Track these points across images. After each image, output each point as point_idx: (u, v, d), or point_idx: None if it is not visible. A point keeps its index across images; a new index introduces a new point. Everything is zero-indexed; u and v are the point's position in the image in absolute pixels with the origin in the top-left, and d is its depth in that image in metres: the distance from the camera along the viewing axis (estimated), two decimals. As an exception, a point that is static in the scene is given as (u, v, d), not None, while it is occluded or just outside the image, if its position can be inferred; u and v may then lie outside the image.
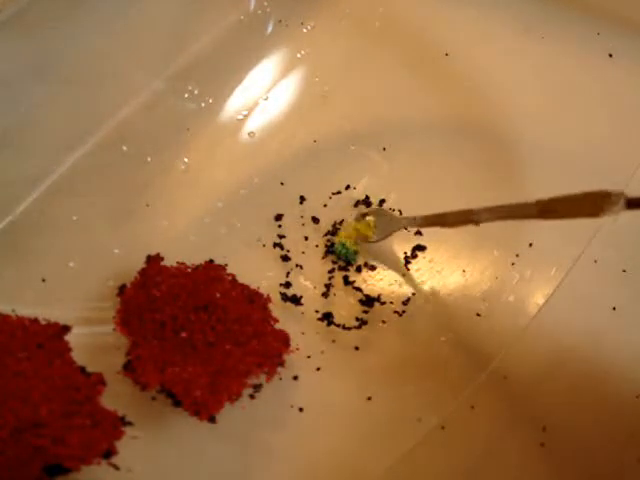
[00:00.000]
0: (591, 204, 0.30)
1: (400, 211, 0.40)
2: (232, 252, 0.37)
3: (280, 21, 0.45)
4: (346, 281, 0.38)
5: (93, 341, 0.34)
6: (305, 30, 0.45)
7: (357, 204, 0.40)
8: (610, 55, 0.44)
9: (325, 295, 0.37)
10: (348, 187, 0.40)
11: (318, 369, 0.35)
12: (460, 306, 0.38)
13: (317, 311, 0.37)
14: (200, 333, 0.33)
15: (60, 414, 0.30)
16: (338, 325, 0.36)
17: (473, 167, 0.42)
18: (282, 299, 0.37)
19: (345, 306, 0.37)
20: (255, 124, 0.43)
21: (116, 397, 0.31)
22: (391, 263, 0.39)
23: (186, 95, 0.42)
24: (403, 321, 0.37)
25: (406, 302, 0.37)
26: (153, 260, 0.36)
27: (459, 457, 0.34)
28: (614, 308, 0.37)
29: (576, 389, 0.35)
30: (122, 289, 0.35)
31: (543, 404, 0.35)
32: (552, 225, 0.40)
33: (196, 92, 0.42)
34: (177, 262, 0.36)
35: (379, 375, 0.36)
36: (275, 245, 0.39)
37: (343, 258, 0.38)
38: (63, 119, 0.39)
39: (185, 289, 0.34)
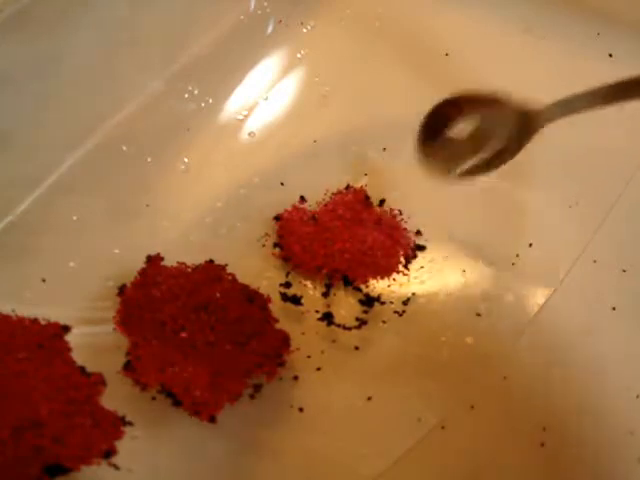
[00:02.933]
0: None
1: (400, 211, 0.40)
2: (232, 252, 0.37)
3: (280, 21, 0.45)
4: (346, 281, 0.38)
5: (93, 341, 0.34)
6: (305, 30, 0.45)
7: (357, 204, 0.40)
8: (610, 55, 0.44)
9: (325, 295, 0.37)
10: (348, 187, 0.40)
11: (318, 369, 0.35)
12: (460, 306, 0.38)
13: (317, 311, 0.37)
14: (200, 333, 0.33)
15: (60, 414, 0.30)
16: (338, 325, 0.36)
17: (473, 167, 0.42)
18: (282, 299, 0.37)
19: (345, 306, 0.37)
20: (255, 124, 0.43)
21: (116, 397, 0.31)
22: (391, 263, 0.39)
23: (186, 95, 0.42)
24: (403, 321, 0.37)
25: (406, 302, 0.37)
26: (153, 260, 0.36)
27: (459, 457, 0.34)
28: (614, 308, 0.37)
29: (576, 389, 0.35)
30: (122, 289, 0.35)
31: (543, 404, 0.35)
32: (552, 225, 0.40)
33: (196, 92, 0.42)
34: (177, 262, 0.36)
35: (379, 375, 0.36)
36: (275, 245, 0.39)
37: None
38: (63, 119, 0.39)
39: (185, 289, 0.34)
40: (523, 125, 0.31)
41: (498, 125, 0.33)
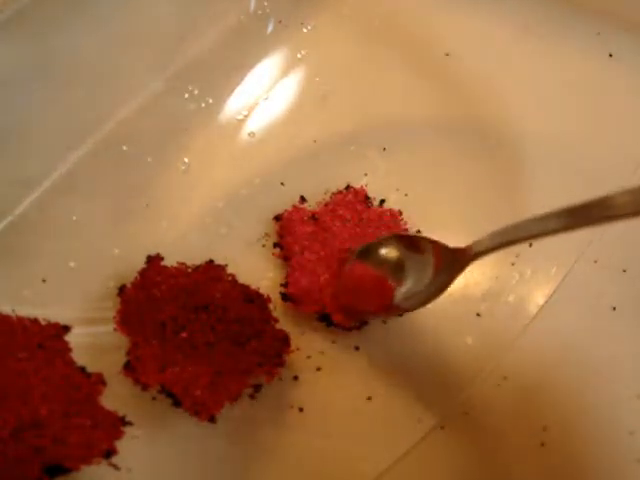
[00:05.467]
0: None
1: (400, 211, 0.39)
2: (232, 252, 0.37)
3: (280, 21, 0.45)
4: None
5: (93, 341, 0.34)
6: (305, 30, 0.45)
7: (357, 204, 0.40)
8: (610, 55, 0.44)
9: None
10: (348, 187, 0.40)
11: (318, 369, 0.35)
12: (460, 306, 0.38)
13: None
14: (200, 333, 0.33)
15: (60, 414, 0.30)
16: (338, 325, 0.36)
17: (473, 167, 0.42)
18: (282, 299, 0.37)
19: (345, 306, 0.37)
20: (255, 124, 0.43)
21: (116, 397, 0.31)
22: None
23: (186, 95, 0.42)
24: (403, 321, 0.37)
25: (406, 302, 0.37)
26: (153, 260, 0.36)
27: (459, 457, 0.34)
28: (614, 308, 0.37)
29: (576, 389, 0.35)
30: (122, 289, 0.35)
31: (543, 404, 0.35)
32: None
33: (196, 92, 0.42)
34: (177, 262, 0.36)
35: (379, 375, 0.36)
36: (275, 245, 0.39)
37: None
38: (63, 119, 0.39)
39: (185, 289, 0.34)
40: (452, 262, 0.32)
41: (424, 262, 0.34)
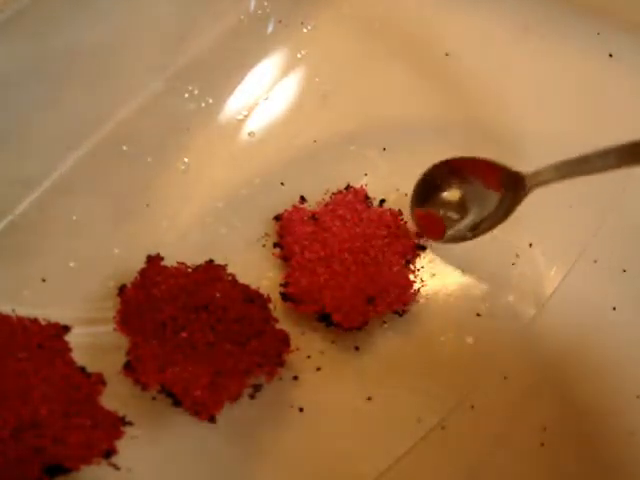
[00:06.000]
0: None
1: (400, 211, 0.39)
2: (232, 252, 0.37)
3: (280, 21, 0.45)
4: (346, 281, 0.37)
5: (93, 341, 0.34)
6: (305, 30, 0.45)
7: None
8: (610, 55, 0.44)
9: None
10: (348, 187, 0.40)
11: (318, 369, 0.35)
12: (460, 306, 0.38)
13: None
14: (200, 333, 0.33)
15: (60, 414, 0.30)
16: (338, 325, 0.36)
17: (473, 167, 0.42)
18: (282, 299, 0.37)
19: (345, 306, 0.37)
20: (255, 124, 0.43)
21: (116, 397, 0.32)
22: (391, 263, 0.39)
23: (186, 95, 0.42)
24: (403, 321, 0.37)
25: (406, 302, 0.37)
26: (153, 260, 0.36)
27: (459, 457, 0.34)
28: (614, 308, 0.37)
29: (576, 389, 0.35)
30: (122, 289, 0.35)
31: (543, 404, 0.35)
32: (552, 225, 0.40)
33: (196, 92, 0.42)
34: (177, 262, 0.36)
35: (379, 375, 0.36)
36: (275, 245, 0.39)
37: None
38: (63, 119, 0.39)
39: (185, 289, 0.34)
40: (513, 189, 0.33)
41: (488, 190, 0.36)
